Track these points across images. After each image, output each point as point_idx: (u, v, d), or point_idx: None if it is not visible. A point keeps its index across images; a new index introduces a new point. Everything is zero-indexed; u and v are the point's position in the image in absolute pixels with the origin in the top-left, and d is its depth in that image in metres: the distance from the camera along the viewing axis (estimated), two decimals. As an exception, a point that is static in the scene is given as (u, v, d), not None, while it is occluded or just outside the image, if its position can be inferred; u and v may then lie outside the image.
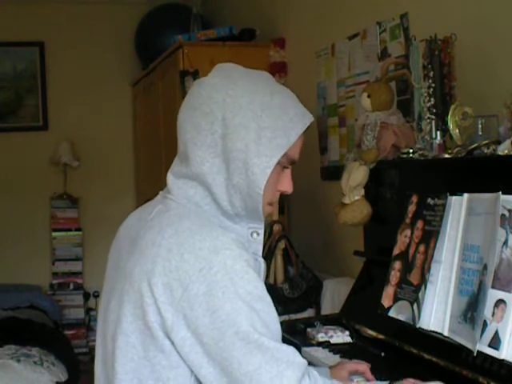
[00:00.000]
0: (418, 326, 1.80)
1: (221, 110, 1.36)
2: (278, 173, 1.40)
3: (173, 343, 1.29)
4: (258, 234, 1.43)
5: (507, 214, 1.60)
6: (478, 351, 1.57)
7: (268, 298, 1.32)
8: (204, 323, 1.26)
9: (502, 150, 1.80)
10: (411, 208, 1.97)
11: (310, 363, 1.51)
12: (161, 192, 1.50)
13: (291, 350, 1.30)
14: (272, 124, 1.36)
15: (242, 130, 1.35)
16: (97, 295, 5.51)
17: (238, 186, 1.36)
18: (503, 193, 1.63)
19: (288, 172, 1.45)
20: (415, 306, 1.81)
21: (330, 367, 1.68)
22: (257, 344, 1.25)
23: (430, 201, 1.89)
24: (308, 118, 1.42)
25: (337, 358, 1.97)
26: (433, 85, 2.17)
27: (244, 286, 1.27)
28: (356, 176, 2.36)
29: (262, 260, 1.43)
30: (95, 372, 1.46)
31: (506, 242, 1.60)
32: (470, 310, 1.63)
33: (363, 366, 1.69)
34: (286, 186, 1.45)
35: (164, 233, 1.33)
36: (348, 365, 1.69)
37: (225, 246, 1.29)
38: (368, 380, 1.67)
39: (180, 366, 1.31)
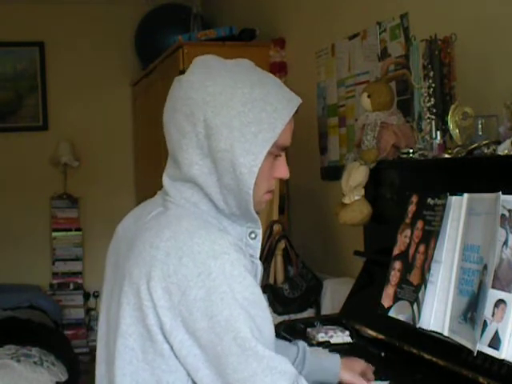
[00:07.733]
0: (418, 325, 1.80)
1: (202, 111, 1.33)
2: (271, 161, 1.37)
3: (172, 347, 1.28)
4: (255, 235, 1.42)
5: (507, 214, 1.60)
6: (478, 351, 1.57)
7: (263, 303, 1.32)
8: (202, 327, 1.25)
9: (502, 150, 1.80)
10: (411, 208, 1.97)
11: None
12: (159, 192, 1.48)
13: (283, 359, 1.30)
14: (256, 118, 1.32)
15: (224, 129, 1.31)
16: (97, 295, 5.51)
17: (229, 186, 1.34)
18: (503, 193, 1.62)
19: (282, 158, 1.41)
20: (415, 305, 1.81)
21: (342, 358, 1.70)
22: (253, 351, 1.25)
23: (430, 201, 1.89)
24: (294, 102, 1.38)
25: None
26: (433, 85, 2.17)
27: (242, 291, 1.27)
28: (356, 176, 2.36)
29: (259, 262, 1.42)
30: (96, 374, 1.45)
31: (506, 242, 1.59)
32: (470, 310, 1.63)
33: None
34: (282, 172, 1.42)
35: (162, 235, 1.31)
36: (362, 364, 1.71)
37: (223, 251, 1.28)
38: None
39: (178, 370, 1.30)
